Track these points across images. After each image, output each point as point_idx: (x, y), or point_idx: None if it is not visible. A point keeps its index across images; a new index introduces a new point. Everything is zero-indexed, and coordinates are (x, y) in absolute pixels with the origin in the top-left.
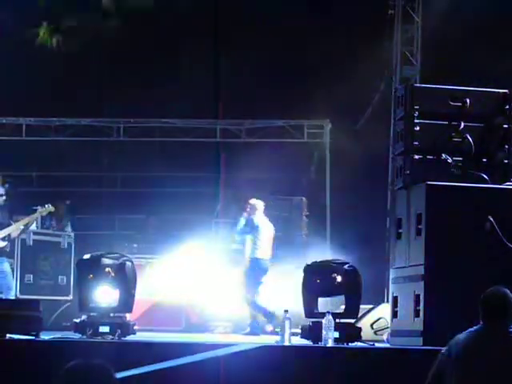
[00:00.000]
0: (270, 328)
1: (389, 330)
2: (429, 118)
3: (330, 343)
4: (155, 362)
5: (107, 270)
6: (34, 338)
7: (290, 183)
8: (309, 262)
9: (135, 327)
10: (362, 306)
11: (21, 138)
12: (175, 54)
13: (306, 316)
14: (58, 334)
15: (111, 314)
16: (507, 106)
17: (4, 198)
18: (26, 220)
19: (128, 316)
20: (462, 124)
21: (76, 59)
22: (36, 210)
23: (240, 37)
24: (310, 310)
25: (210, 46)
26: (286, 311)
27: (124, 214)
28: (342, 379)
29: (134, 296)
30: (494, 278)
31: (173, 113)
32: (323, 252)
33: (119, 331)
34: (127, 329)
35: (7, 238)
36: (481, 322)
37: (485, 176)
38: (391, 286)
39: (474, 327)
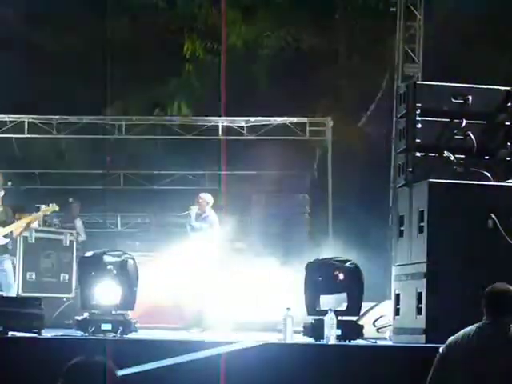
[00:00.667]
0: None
1: (391, 327)
2: (431, 115)
3: (332, 341)
4: (157, 360)
5: (109, 267)
6: (35, 335)
7: (292, 181)
8: (311, 260)
9: (137, 325)
10: (364, 304)
11: (23, 136)
12: (178, 51)
13: (308, 314)
14: (59, 332)
15: (113, 312)
16: (509, 104)
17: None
18: (28, 218)
19: (130, 314)
20: (464, 121)
21: (77, 57)
22: (39, 208)
23: (243, 33)
24: (312, 307)
25: (212, 42)
26: (289, 309)
27: (126, 211)
28: (344, 377)
29: (135, 294)
30: (497, 275)
31: (175, 110)
32: (325, 249)
33: (121, 329)
34: (129, 326)
35: (9, 235)
36: (483, 319)
37: (487, 173)
38: (393, 284)
39: (475, 324)
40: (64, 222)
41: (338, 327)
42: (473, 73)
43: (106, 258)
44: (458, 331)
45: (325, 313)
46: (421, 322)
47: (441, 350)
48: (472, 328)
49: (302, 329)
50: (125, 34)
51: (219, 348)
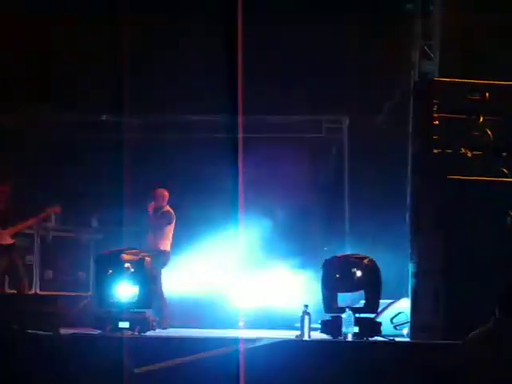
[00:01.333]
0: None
1: (409, 324)
2: (448, 112)
3: (350, 338)
4: (175, 357)
5: (127, 265)
6: (53, 333)
7: (309, 179)
8: (328, 258)
9: (155, 323)
10: (381, 301)
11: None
12: (193, 47)
13: (326, 311)
14: (77, 330)
15: (130, 310)
16: None
17: None
18: (32, 220)
19: (147, 311)
20: (482, 118)
21: (92, 55)
22: (44, 209)
23: (258, 32)
24: (330, 305)
25: (228, 40)
26: (306, 306)
27: (145, 210)
28: (361, 374)
29: (153, 292)
30: None
31: (193, 108)
32: (342, 247)
33: (138, 327)
34: (146, 324)
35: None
36: (496, 316)
37: (504, 170)
38: (411, 281)
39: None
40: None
41: (355, 324)
42: (490, 69)
43: (124, 257)
44: (476, 328)
45: (342, 310)
46: (438, 318)
47: None
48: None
49: (319, 326)
50: (140, 31)
51: (238, 345)
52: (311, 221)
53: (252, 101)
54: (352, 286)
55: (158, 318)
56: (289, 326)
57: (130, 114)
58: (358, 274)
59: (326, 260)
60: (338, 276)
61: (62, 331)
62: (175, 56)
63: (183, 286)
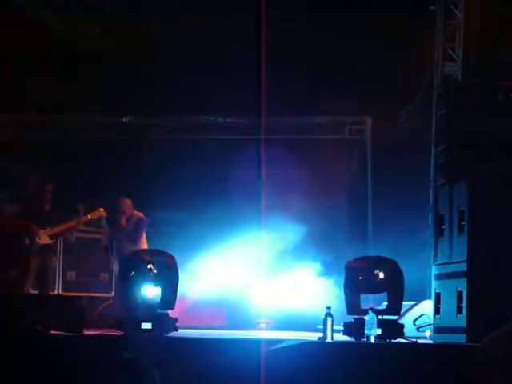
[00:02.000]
0: None
1: (431, 326)
2: (471, 113)
3: (373, 340)
4: (197, 359)
5: (149, 266)
6: (76, 334)
7: (332, 180)
8: (350, 259)
9: (177, 324)
10: (404, 303)
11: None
12: (216, 50)
13: (349, 313)
14: (100, 331)
15: (153, 311)
16: None
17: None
18: (73, 223)
19: (170, 312)
20: (506, 118)
21: (115, 58)
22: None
23: (279, 33)
24: (353, 306)
25: (250, 42)
26: (329, 308)
27: (166, 211)
28: (384, 376)
29: (176, 293)
30: None
31: (213, 110)
32: (365, 249)
33: (161, 328)
34: (169, 325)
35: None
36: None
37: None
38: (434, 283)
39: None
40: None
41: (378, 326)
42: None
43: (146, 258)
44: (499, 330)
45: (365, 312)
46: (461, 320)
47: None
48: None
49: (342, 328)
50: (161, 33)
51: (260, 346)
52: (334, 223)
53: (275, 102)
54: (375, 287)
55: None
56: (311, 328)
57: (154, 116)
58: (381, 275)
59: (348, 262)
60: (360, 278)
61: (85, 332)
62: (198, 58)
63: (206, 287)
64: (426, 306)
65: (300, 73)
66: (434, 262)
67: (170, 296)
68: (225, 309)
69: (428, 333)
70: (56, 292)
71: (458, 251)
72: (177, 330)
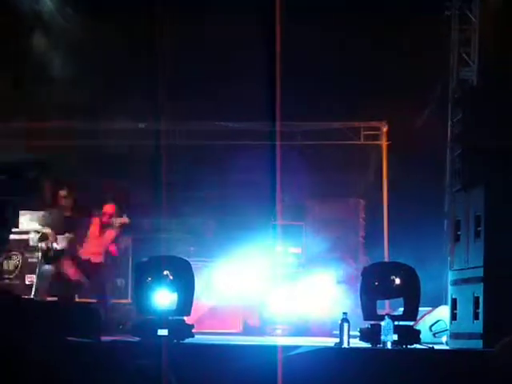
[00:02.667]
0: None
1: (448, 332)
2: (487, 118)
3: (389, 346)
4: (213, 365)
5: (165, 272)
6: (93, 340)
7: (347, 185)
8: (366, 265)
9: (193, 330)
10: (420, 309)
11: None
12: (229, 55)
13: (365, 318)
14: (116, 337)
15: (169, 317)
16: None
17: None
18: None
19: (186, 319)
20: None
21: (128, 62)
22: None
23: (295, 39)
24: (369, 312)
25: (264, 47)
26: (345, 313)
27: (181, 217)
28: (400, 382)
29: (192, 299)
30: None
31: (228, 116)
32: (381, 254)
33: (177, 334)
34: (185, 331)
35: None
36: None
37: None
38: (450, 288)
39: None
40: None
41: (394, 332)
42: None
43: (163, 264)
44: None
45: (382, 318)
46: (478, 326)
47: None
48: None
49: (358, 333)
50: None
51: (276, 352)
52: (350, 228)
53: (290, 108)
54: (391, 293)
55: None
56: (328, 334)
57: (170, 121)
58: (397, 281)
59: (364, 267)
60: (376, 283)
61: (102, 338)
62: (211, 61)
63: (222, 293)
64: (443, 312)
65: (315, 79)
66: (451, 267)
67: (186, 302)
68: (241, 315)
69: (444, 338)
70: (73, 298)
71: (474, 257)
72: (193, 337)
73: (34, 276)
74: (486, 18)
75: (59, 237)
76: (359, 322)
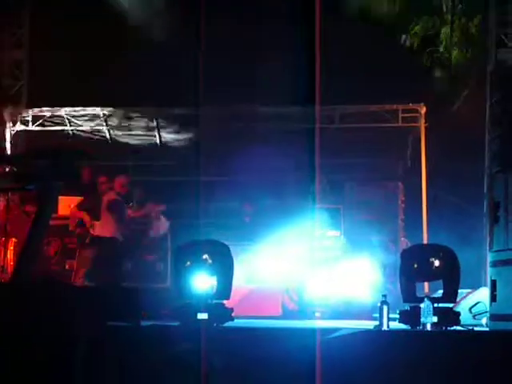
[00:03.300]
0: None
1: (488, 314)
2: None
3: (429, 328)
4: (254, 348)
5: (204, 257)
6: (133, 324)
7: (386, 168)
8: (406, 247)
9: (233, 314)
10: (460, 290)
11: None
12: (269, 39)
13: (404, 301)
14: (156, 321)
15: (209, 301)
16: None
17: None
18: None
19: (226, 303)
20: None
21: (164, 49)
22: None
23: (332, 23)
24: (408, 294)
25: (302, 31)
26: (384, 296)
27: (219, 201)
28: (440, 363)
29: (231, 283)
30: None
31: (266, 99)
32: (420, 237)
33: (217, 318)
34: (225, 315)
35: None
36: None
37: None
38: (490, 270)
39: None
40: None
41: (434, 314)
42: None
43: (202, 248)
44: None
45: (421, 300)
46: None
47: None
48: None
49: (397, 316)
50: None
51: (315, 335)
52: (389, 211)
53: (329, 91)
54: (430, 275)
55: None
56: (367, 317)
57: (206, 106)
58: (436, 263)
59: (403, 249)
60: (416, 266)
61: (142, 323)
62: (249, 44)
63: (261, 277)
64: (482, 294)
65: (353, 62)
66: (490, 248)
67: (225, 286)
68: (280, 298)
69: (484, 320)
70: (112, 283)
71: None
72: (233, 320)
73: (74, 261)
74: None
75: (97, 222)
76: (399, 305)
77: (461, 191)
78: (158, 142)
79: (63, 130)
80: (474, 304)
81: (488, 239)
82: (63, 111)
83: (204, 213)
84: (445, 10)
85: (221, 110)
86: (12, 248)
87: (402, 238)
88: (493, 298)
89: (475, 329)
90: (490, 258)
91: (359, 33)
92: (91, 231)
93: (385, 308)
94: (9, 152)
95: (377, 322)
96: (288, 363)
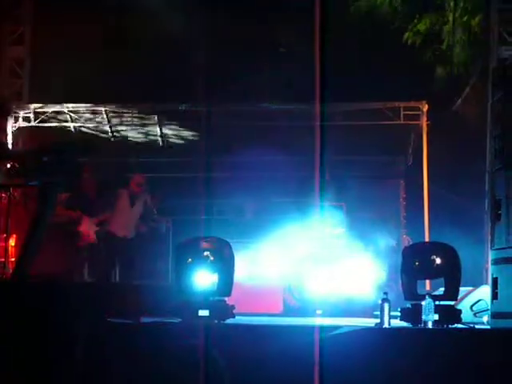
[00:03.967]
0: None
1: (489, 312)
2: None
3: (430, 325)
4: (255, 345)
5: (206, 253)
6: (134, 321)
7: (387, 166)
8: (407, 245)
9: (234, 311)
10: (461, 288)
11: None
12: (275, 37)
13: (406, 298)
14: (157, 318)
15: (210, 298)
16: None
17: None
18: None
19: (227, 299)
20: None
21: (167, 46)
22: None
23: (337, 21)
24: (410, 292)
25: (309, 30)
26: (386, 293)
27: (221, 198)
28: (441, 361)
29: (232, 279)
30: None
31: (270, 96)
32: (421, 234)
33: (218, 315)
34: (226, 312)
35: None
36: None
37: None
38: (491, 268)
39: None
40: None
41: (435, 312)
42: None
43: (203, 245)
44: None
45: (422, 297)
46: None
47: None
48: None
49: (398, 313)
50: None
51: (316, 332)
52: (391, 209)
53: (331, 88)
54: (432, 273)
55: None
56: (368, 314)
57: (213, 103)
58: (438, 261)
59: (405, 247)
60: (417, 263)
61: (143, 320)
62: (251, 43)
63: (262, 274)
64: (484, 291)
65: (355, 59)
66: (491, 246)
67: (226, 283)
68: (281, 295)
69: (485, 318)
70: (112, 280)
71: None
72: (234, 317)
73: (74, 259)
74: None
75: (87, 219)
76: (400, 302)
77: (462, 189)
78: (160, 138)
79: (65, 127)
80: (476, 302)
81: (489, 237)
82: (65, 108)
83: (206, 209)
84: (447, 7)
85: (223, 106)
86: (13, 244)
87: (404, 236)
88: (494, 295)
89: (476, 327)
90: (491, 255)
91: (361, 30)
92: (105, 228)
93: (386, 306)
94: (11, 148)
95: (378, 320)
96: (289, 360)
